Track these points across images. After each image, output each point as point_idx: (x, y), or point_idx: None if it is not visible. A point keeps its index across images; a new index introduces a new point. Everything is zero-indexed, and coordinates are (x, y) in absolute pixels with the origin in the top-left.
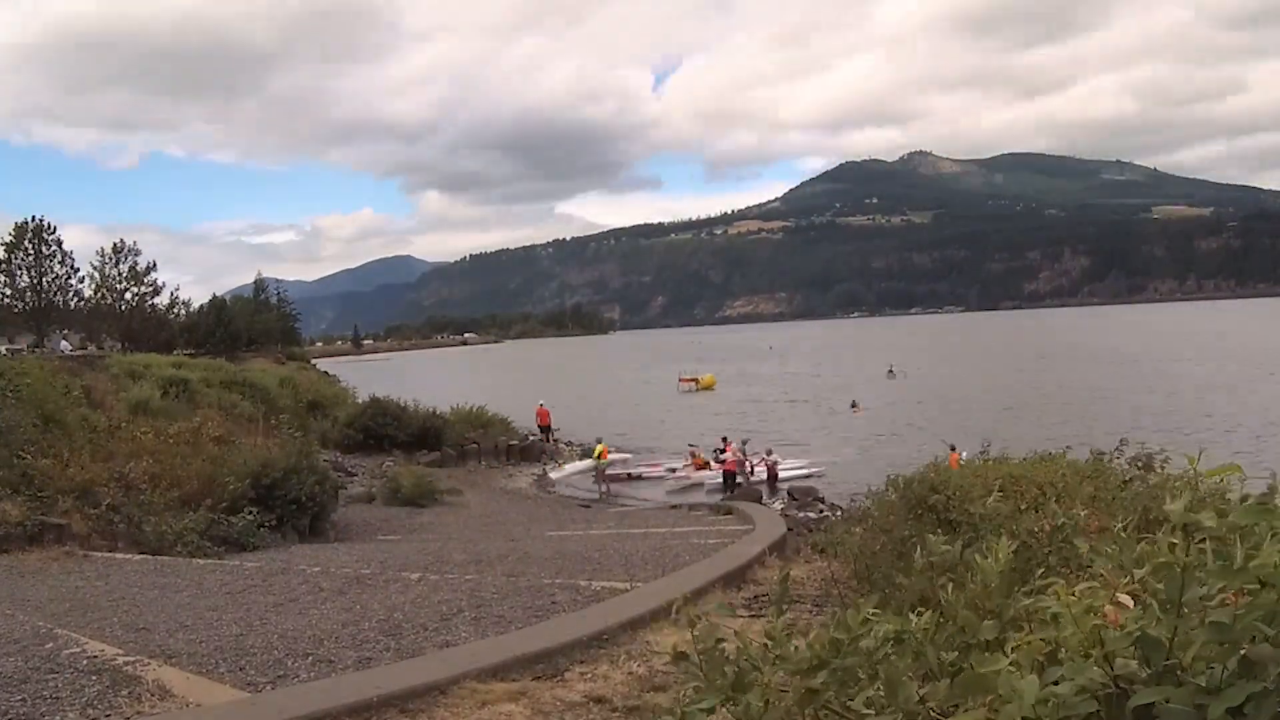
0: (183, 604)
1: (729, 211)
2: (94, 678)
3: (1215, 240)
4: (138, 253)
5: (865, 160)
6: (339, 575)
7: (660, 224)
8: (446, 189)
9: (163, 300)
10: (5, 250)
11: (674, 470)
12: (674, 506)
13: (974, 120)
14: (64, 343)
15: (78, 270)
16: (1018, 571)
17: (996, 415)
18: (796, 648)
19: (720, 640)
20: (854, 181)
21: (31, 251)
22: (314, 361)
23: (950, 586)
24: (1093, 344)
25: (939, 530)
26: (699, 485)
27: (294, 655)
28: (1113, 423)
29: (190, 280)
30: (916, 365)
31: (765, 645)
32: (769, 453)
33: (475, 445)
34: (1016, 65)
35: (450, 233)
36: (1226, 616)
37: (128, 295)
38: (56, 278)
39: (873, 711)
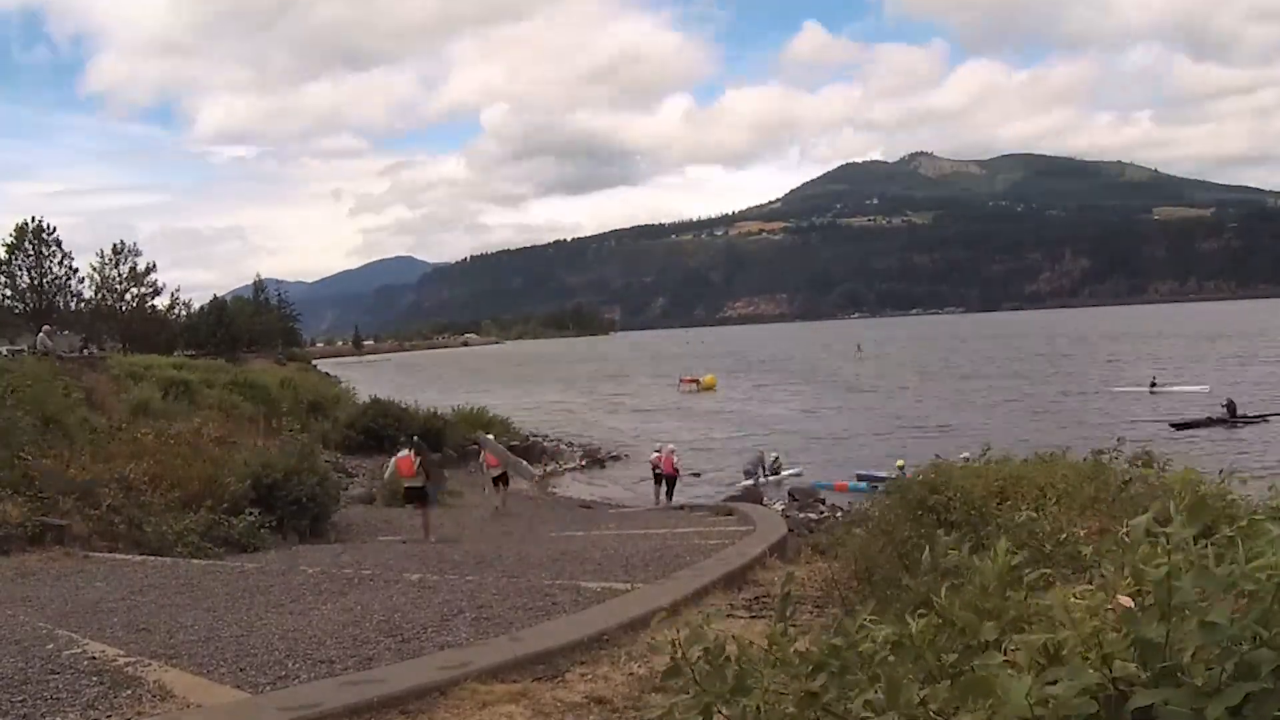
0: (183, 605)
1: (730, 212)
2: (94, 679)
3: (1216, 241)
4: (138, 253)
5: (866, 161)
6: (339, 576)
7: (661, 224)
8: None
9: (163, 301)
10: (6, 251)
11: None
12: (676, 507)
13: (975, 120)
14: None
15: (77, 271)
16: (1018, 572)
17: None
18: (796, 651)
19: (722, 644)
20: (854, 182)
21: (32, 252)
22: (314, 362)
23: (945, 590)
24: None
25: (939, 531)
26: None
27: (294, 656)
28: None
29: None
30: None
31: (765, 648)
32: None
33: (476, 446)
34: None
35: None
36: (1221, 618)
37: (128, 296)
38: (57, 279)
39: (873, 714)
